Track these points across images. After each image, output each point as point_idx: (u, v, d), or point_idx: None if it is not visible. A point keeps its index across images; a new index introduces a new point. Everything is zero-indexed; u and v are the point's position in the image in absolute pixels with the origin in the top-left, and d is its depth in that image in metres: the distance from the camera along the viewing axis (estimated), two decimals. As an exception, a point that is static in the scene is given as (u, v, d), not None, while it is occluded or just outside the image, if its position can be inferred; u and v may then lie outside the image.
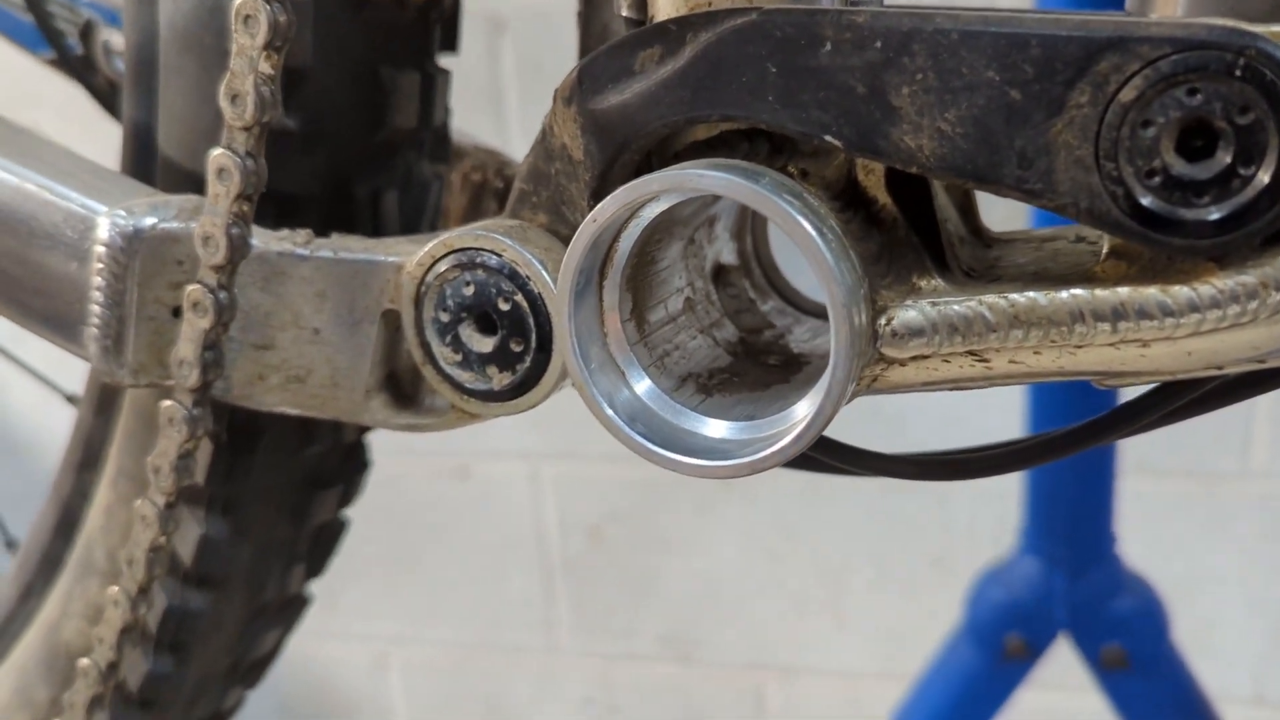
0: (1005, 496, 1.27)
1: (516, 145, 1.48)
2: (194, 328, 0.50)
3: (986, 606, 1.17)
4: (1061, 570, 1.15)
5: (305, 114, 0.55)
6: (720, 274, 0.58)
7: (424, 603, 1.83)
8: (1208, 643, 1.46)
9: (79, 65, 0.78)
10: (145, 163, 0.60)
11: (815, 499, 1.56)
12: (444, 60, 0.63)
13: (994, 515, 1.52)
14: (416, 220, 0.61)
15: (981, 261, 0.49)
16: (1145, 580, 1.18)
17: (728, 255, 0.58)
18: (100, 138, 0.74)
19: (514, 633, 1.79)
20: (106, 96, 0.78)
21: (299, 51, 0.54)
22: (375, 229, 0.59)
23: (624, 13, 0.51)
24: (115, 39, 0.77)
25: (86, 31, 0.79)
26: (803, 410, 0.44)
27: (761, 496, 1.59)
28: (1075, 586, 1.15)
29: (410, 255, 0.51)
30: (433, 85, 0.60)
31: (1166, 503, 1.48)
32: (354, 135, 0.57)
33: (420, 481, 1.73)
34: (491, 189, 0.68)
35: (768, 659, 1.71)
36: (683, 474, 0.45)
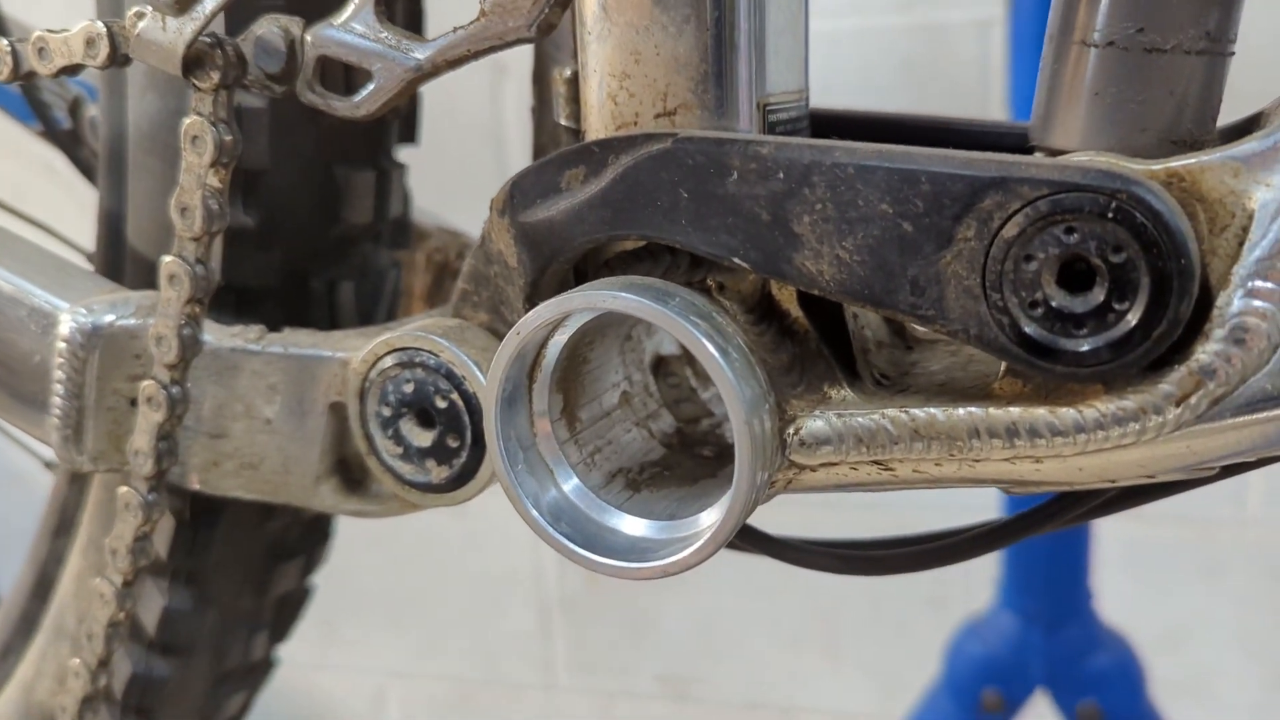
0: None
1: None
2: (148, 420, 0.53)
3: (964, 661, 1.19)
4: (1038, 626, 1.16)
5: (262, 212, 0.58)
6: (661, 365, 0.60)
7: (423, 638, 1.84)
8: (1204, 690, 1.46)
9: (66, 139, 0.81)
10: (116, 251, 0.63)
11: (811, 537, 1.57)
12: (402, 153, 0.66)
13: (988, 556, 1.53)
14: (373, 307, 0.63)
15: (898, 366, 0.51)
16: (1122, 637, 1.19)
17: (668, 345, 0.60)
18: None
19: (512, 669, 1.81)
20: (91, 168, 0.81)
21: (256, 154, 0.57)
22: (331, 319, 0.61)
23: (562, 121, 0.54)
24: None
25: (75, 107, 0.82)
26: (709, 519, 0.46)
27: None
28: (1052, 642, 1.16)
29: (356, 351, 0.54)
30: (388, 180, 0.62)
31: (1162, 549, 1.48)
32: (309, 232, 0.60)
33: (419, 517, 1.74)
34: (453, 270, 0.70)
35: (765, 698, 1.72)
36: (600, 574, 0.47)
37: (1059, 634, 1.16)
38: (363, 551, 1.67)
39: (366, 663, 1.86)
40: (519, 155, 1.55)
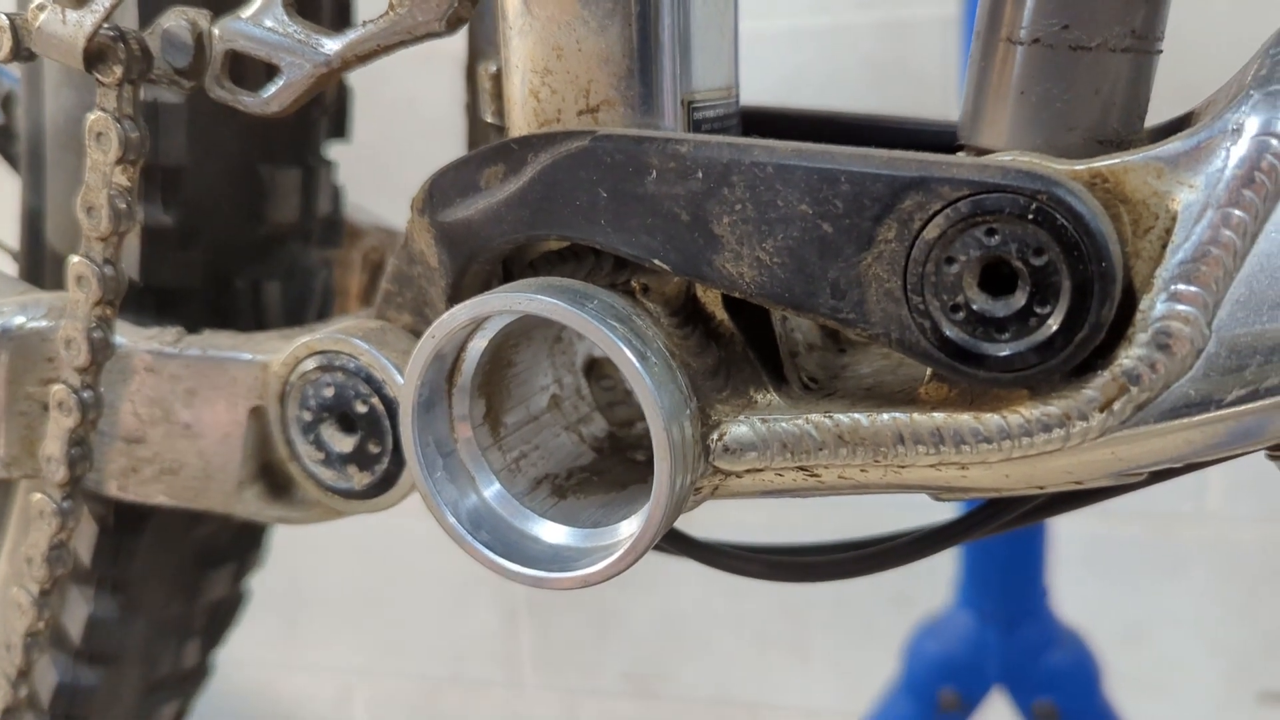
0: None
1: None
2: (60, 426, 0.51)
3: (921, 660, 1.18)
4: (995, 625, 1.16)
5: (182, 211, 0.56)
6: (594, 367, 0.58)
7: (389, 637, 1.83)
8: (1166, 685, 1.47)
9: (-1, 134, 0.79)
10: (37, 250, 0.62)
11: (776, 536, 1.57)
12: (333, 149, 0.64)
13: (951, 554, 1.53)
14: (302, 309, 0.62)
15: (828, 369, 0.50)
16: (1078, 635, 1.18)
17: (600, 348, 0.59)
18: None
19: (478, 667, 1.80)
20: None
21: (174, 152, 0.55)
22: (257, 320, 0.60)
23: (488, 119, 0.53)
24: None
25: (7, 102, 0.80)
26: (630, 528, 0.45)
27: (723, 534, 1.60)
28: (1008, 641, 1.15)
29: (276, 354, 0.52)
30: (315, 177, 0.61)
31: (1123, 545, 1.49)
32: (232, 231, 0.58)
33: (384, 516, 1.73)
34: (388, 269, 0.69)
35: (731, 695, 1.72)
36: (518, 583, 0.46)
37: (1015, 633, 1.15)
38: (327, 551, 1.66)
39: (332, 662, 1.84)
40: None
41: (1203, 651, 1.49)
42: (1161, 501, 1.45)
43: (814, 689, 1.65)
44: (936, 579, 1.55)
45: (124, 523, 0.62)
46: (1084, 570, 1.39)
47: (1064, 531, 1.31)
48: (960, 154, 0.44)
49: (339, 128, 0.64)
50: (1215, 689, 1.50)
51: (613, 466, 0.54)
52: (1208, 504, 1.46)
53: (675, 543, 0.52)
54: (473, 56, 0.61)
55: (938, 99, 1.37)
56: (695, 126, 0.47)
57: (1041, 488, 0.43)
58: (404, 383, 0.45)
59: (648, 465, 0.56)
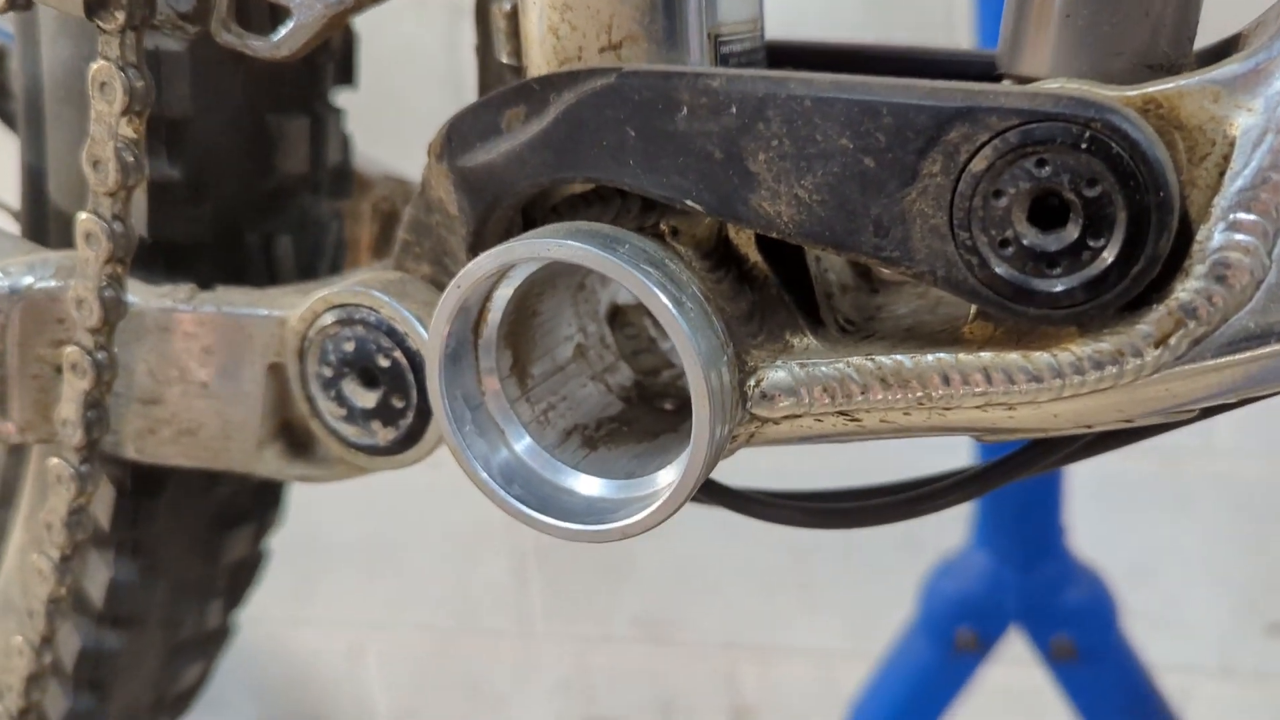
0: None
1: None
2: (74, 388, 0.50)
3: (938, 600, 1.18)
4: (1011, 564, 1.16)
5: (189, 164, 0.54)
6: (617, 315, 0.57)
7: (399, 590, 1.83)
8: (1174, 618, 1.48)
9: (-10, 91, 0.77)
10: (39, 208, 0.60)
11: (783, 481, 1.56)
12: (340, 97, 0.62)
13: (959, 497, 1.53)
14: (314, 261, 0.60)
15: (863, 311, 0.49)
16: (1094, 572, 1.18)
17: (625, 294, 0.57)
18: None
19: (489, 617, 1.80)
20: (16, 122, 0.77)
21: (178, 102, 0.53)
22: (270, 274, 0.58)
23: (504, 59, 0.51)
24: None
25: (1, 58, 0.78)
26: (668, 477, 0.44)
27: (731, 480, 1.60)
28: (1025, 580, 1.15)
29: (293, 309, 0.51)
30: (324, 126, 0.59)
31: (1131, 481, 1.49)
32: (241, 183, 0.56)
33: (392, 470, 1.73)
34: (400, 220, 0.67)
35: (741, 639, 1.73)
36: (555, 537, 0.45)
37: (1032, 571, 1.15)
38: (336, 505, 1.65)
39: (344, 616, 1.85)
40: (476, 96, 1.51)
41: (1211, 585, 1.50)
42: (1170, 437, 1.44)
43: (823, 631, 1.66)
44: (944, 521, 1.56)
45: (142, 485, 0.61)
46: (1092, 506, 1.39)
47: (1072, 468, 1.30)
48: (1004, 83, 0.43)
49: (346, 74, 0.62)
50: (1223, 622, 1.51)
51: (641, 416, 0.53)
52: (1216, 439, 1.45)
53: (708, 491, 0.51)
54: (483, -2, 0.59)
55: (942, 33, 1.34)
56: (722, 61, 0.46)
57: (1090, 427, 0.42)
58: (429, 335, 0.44)
59: (677, 414, 0.55)
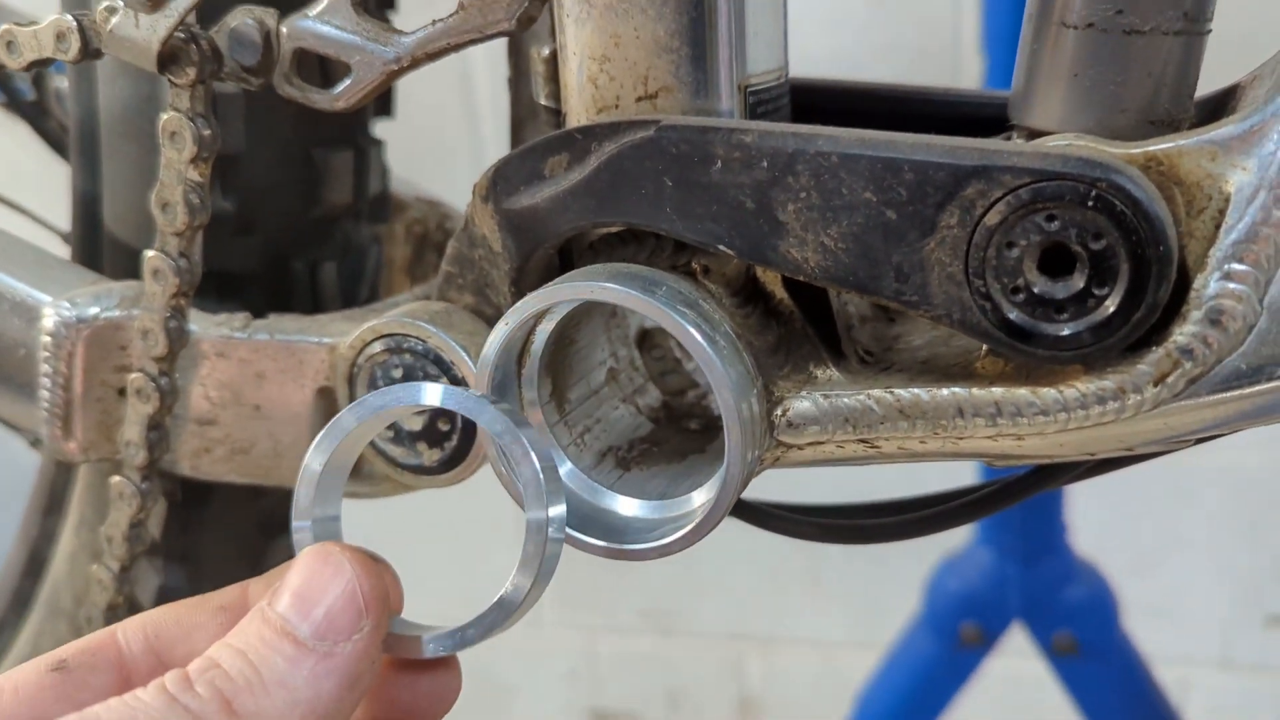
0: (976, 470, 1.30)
1: (485, 127, 1.48)
2: (138, 412, 0.53)
3: (943, 596, 1.21)
4: (1014, 560, 1.19)
5: (240, 198, 0.57)
6: (645, 338, 0.60)
7: (407, 580, 1.85)
8: (1176, 608, 1.50)
9: (30, 110, 0.80)
10: (92, 233, 0.63)
11: (790, 472, 1.58)
12: (380, 126, 0.65)
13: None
14: (356, 286, 0.63)
15: (881, 341, 0.52)
16: (1095, 568, 1.22)
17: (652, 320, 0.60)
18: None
19: (498, 608, 1.82)
20: (58, 140, 0.80)
21: (232, 140, 0.56)
22: (315, 300, 0.61)
23: (541, 100, 0.54)
24: (67, 86, 0.78)
25: (39, 78, 0.81)
26: (701, 498, 0.47)
27: (747, 493, 1.62)
28: (1028, 576, 1.19)
29: (343, 337, 0.54)
30: (366, 158, 0.62)
31: (1134, 471, 1.51)
32: (289, 214, 0.59)
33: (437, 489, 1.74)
34: (433, 242, 0.70)
35: (748, 629, 1.75)
36: (595, 556, 0.48)
37: (1035, 568, 1.19)
38: (346, 499, 1.68)
39: (353, 607, 1.87)
40: (489, 118, 1.52)
41: (1211, 576, 1.52)
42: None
43: (827, 623, 1.68)
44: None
45: (191, 497, 0.64)
46: (1095, 497, 1.41)
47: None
48: (1014, 136, 0.46)
49: (385, 106, 0.65)
50: (1223, 613, 1.53)
51: (670, 436, 0.56)
52: (1216, 431, 1.47)
53: (733, 508, 0.55)
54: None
55: (947, 72, 1.34)
56: (751, 109, 0.49)
57: (1093, 454, 0.45)
58: (477, 370, 0.47)
59: (703, 434, 0.58)
